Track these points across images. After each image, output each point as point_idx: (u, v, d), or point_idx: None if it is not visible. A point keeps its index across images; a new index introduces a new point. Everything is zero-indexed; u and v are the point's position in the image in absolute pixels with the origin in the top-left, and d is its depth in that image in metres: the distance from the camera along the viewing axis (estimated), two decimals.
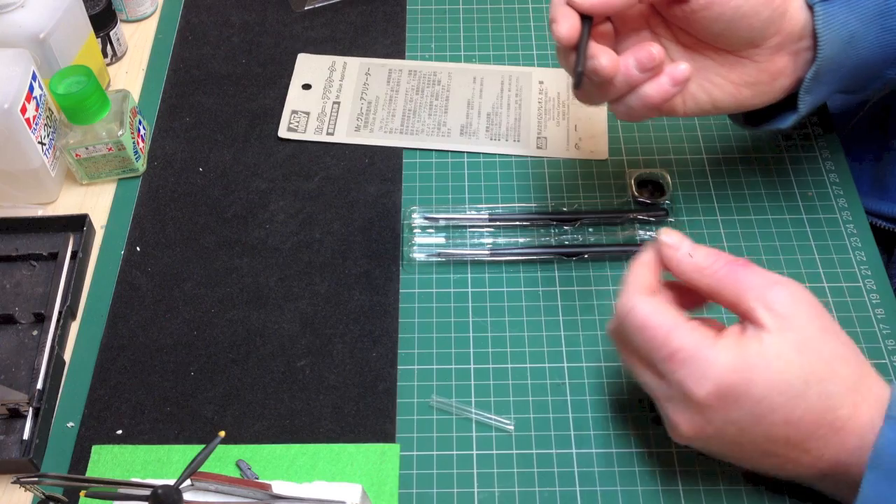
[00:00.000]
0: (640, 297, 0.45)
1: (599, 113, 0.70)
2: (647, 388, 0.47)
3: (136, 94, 0.72)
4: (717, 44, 0.51)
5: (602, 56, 0.48)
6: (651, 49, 0.48)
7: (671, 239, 0.47)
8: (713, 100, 0.53)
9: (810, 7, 0.50)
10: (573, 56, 0.48)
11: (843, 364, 0.44)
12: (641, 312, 0.45)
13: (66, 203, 0.65)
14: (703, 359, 0.42)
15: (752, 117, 0.58)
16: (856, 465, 0.43)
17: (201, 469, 0.41)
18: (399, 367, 0.56)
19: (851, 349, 0.45)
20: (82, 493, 0.42)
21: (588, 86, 0.51)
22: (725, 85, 0.52)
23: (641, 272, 0.47)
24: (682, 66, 0.50)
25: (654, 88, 0.50)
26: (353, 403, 0.55)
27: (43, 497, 0.49)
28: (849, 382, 0.43)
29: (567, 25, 0.47)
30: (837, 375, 0.43)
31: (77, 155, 0.63)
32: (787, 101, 0.54)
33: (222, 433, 0.42)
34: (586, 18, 0.48)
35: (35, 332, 0.58)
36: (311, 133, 0.69)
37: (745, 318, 0.44)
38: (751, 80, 0.52)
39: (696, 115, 0.54)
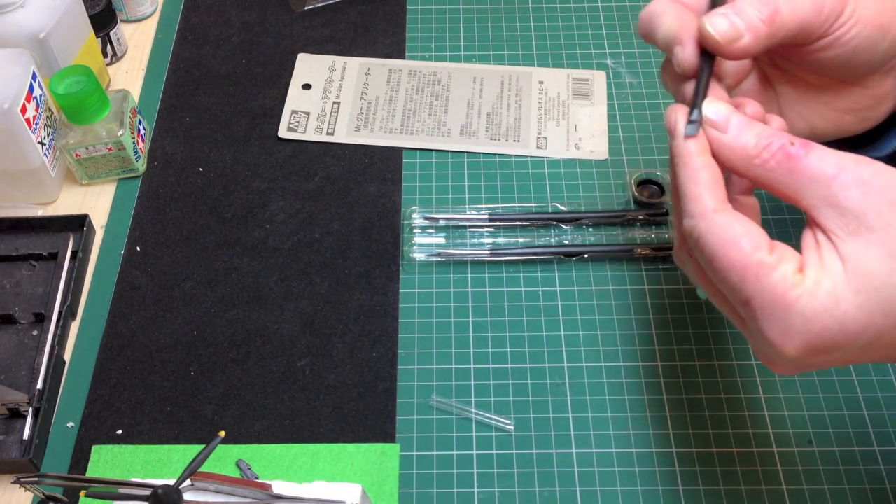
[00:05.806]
0: (711, 214, 0.37)
1: (599, 113, 0.70)
2: (726, 316, 0.40)
3: (136, 94, 0.72)
4: (832, 76, 0.46)
5: (749, 105, 0.41)
6: (747, 110, 0.42)
7: (718, 114, 0.38)
8: (812, 127, 0.47)
9: None
10: (687, 87, 0.42)
11: None
12: (712, 240, 0.37)
13: (66, 203, 0.65)
14: (788, 312, 0.35)
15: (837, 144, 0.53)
16: None
17: (201, 469, 0.41)
18: (399, 367, 0.56)
19: None
20: (82, 493, 0.42)
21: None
22: (828, 113, 0.47)
23: (706, 171, 0.38)
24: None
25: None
26: (353, 403, 0.55)
27: (43, 497, 0.49)
28: None
29: (691, 52, 0.41)
30: None
31: (77, 155, 0.63)
32: (879, 127, 0.49)
33: (222, 433, 0.42)
34: (708, 54, 0.41)
35: (35, 332, 0.58)
36: (311, 133, 0.69)
37: (809, 217, 0.38)
38: (856, 107, 0.47)
39: None
